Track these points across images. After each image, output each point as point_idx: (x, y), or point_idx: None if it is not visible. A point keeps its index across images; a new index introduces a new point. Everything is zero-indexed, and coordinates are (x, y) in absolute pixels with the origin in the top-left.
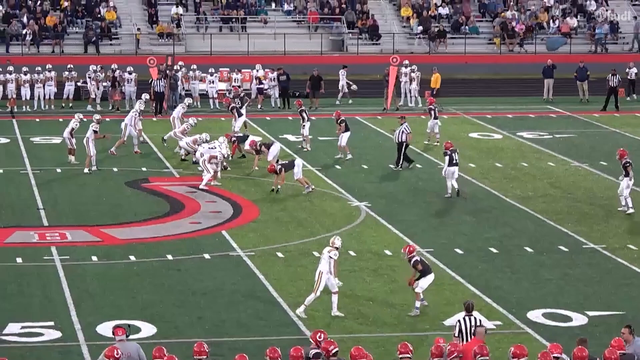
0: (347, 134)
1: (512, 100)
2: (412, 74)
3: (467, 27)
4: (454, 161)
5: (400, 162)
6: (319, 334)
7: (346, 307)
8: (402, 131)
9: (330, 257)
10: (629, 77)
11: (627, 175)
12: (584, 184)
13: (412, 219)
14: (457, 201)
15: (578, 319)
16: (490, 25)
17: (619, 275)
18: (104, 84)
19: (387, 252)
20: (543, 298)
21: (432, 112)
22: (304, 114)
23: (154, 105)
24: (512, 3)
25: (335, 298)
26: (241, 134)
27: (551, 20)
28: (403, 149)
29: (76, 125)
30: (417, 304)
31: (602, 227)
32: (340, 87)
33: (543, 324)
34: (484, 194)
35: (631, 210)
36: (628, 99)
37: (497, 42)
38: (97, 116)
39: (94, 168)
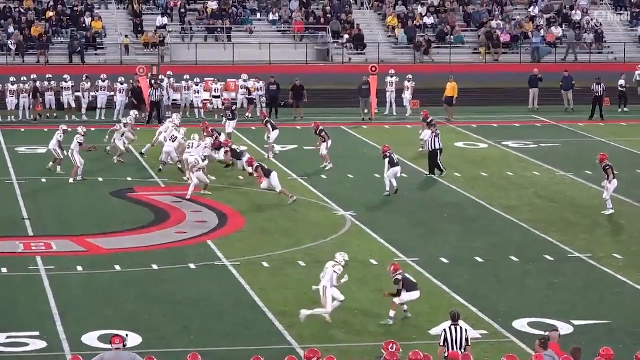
0: (328, 142)
1: (497, 109)
2: (407, 83)
3: (452, 36)
4: (395, 161)
5: (434, 170)
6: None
7: (331, 316)
8: (434, 139)
9: (334, 272)
10: (619, 88)
11: (608, 177)
12: (569, 193)
13: (397, 228)
14: (442, 210)
15: (563, 328)
16: (475, 35)
17: (604, 284)
18: (92, 93)
19: (373, 261)
20: (528, 307)
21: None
22: (269, 125)
23: (146, 113)
24: (497, 12)
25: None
26: (237, 149)
27: (536, 30)
28: (437, 157)
29: (60, 136)
30: (391, 313)
31: (587, 236)
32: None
33: (528, 333)
34: (469, 203)
35: (610, 211)
36: (619, 110)
37: (482, 51)
38: (81, 128)
39: (79, 178)
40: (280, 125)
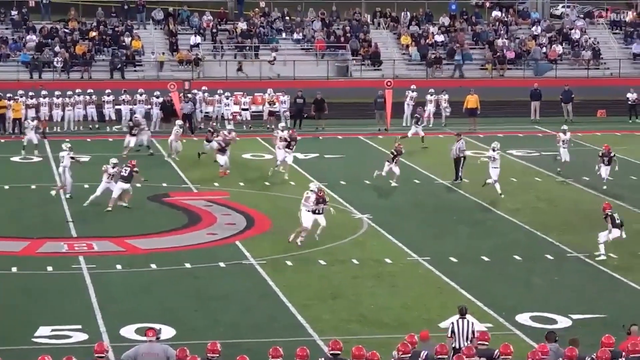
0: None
1: (502, 120)
2: (444, 96)
3: (461, 53)
4: None
5: (459, 176)
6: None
7: (350, 310)
8: (459, 147)
9: None
10: (629, 102)
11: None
12: (568, 198)
13: (410, 230)
14: (452, 213)
15: (563, 322)
16: (483, 52)
17: (600, 282)
18: (131, 106)
19: (388, 260)
20: (531, 302)
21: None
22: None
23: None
24: (502, 32)
25: None
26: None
27: (539, 47)
28: (461, 164)
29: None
30: None
31: (585, 237)
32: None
33: (530, 326)
34: (477, 207)
35: (603, 257)
36: (630, 121)
37: (489, 67)
38: (67, 144)
39: (68, 195)
40: (303, 135)
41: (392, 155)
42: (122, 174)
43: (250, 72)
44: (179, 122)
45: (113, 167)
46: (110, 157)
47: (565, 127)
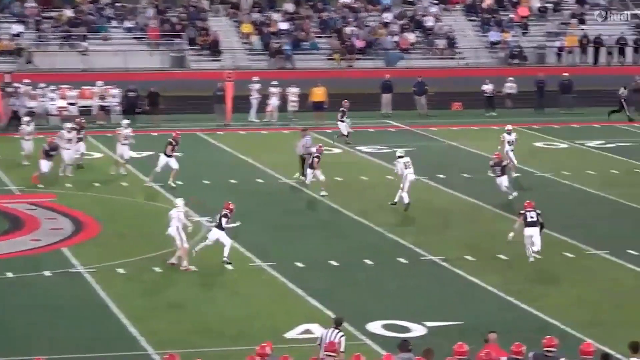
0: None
1: (351, 114)
2: (291, 89)
3: (307, 43)
4: None
5: (304, 173)
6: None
7: (189, 321)
8: (305, 144)
9: None
10: (485, 94)
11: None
12: (423, 197)
13: (253, 233)
14: (298, 215)
15: (417, 330)
16: (330, 41)
17: (456, 286)
18: None
19: (229, 267)
20: (382, 310)
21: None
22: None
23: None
24: (351, 19)
25: None
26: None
27: (389, 36)
28: (307, 161)
29: None
30: None
31: (439, 239)
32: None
33: (382, 335)
34: (324, 208)
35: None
36: (487, 114)
37: (337, 57)
38: None
39: None
40: (136, 132)
41: (313, 160)
42: None
43: (79, 63)
44: (26, 118)
45: None
46: None
47: (509, 127)
